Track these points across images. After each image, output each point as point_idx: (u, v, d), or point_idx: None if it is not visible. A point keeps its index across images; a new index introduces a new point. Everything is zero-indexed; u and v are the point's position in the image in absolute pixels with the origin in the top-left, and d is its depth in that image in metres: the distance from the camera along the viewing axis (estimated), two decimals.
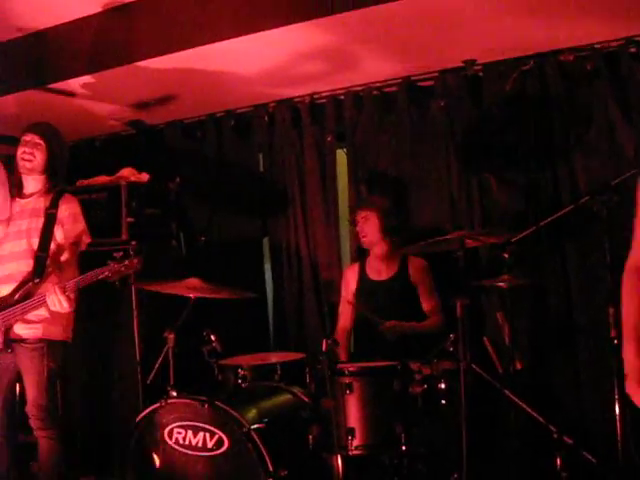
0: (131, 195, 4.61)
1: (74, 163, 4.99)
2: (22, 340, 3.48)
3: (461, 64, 4.24)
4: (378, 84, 4.60)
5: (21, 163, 3.61)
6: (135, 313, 4.45)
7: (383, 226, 4.15)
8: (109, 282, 3.35)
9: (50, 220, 3.53)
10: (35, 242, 3.51)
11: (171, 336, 3.59)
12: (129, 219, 4.54)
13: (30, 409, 3.52)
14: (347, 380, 3.27)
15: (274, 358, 4.06)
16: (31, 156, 3.58)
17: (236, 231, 5.11)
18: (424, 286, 4.13)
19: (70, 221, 3.62)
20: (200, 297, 3.66)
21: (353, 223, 4.31)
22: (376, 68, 4.36)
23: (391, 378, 3.28)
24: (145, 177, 4.83)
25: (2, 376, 3.60)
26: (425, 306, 4.11)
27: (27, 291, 3.43)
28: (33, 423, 3.54)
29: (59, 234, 3.56)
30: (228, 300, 3.85)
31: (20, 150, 3.62)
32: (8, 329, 3.43)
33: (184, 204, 5.12)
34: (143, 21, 3.98)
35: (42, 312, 3.46)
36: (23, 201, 3.64)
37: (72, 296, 3.35)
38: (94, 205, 4.58)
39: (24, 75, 4.39)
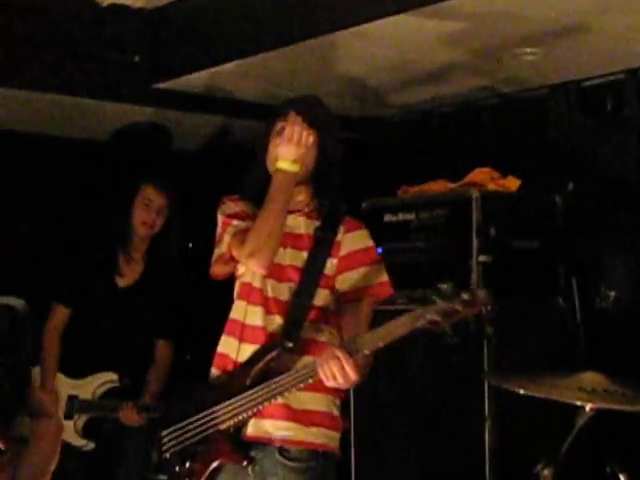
0: (488, 215, 3.30)
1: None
2: (277, 447, 2.42)
3: None
4: None
5: None
6: (487, 423, 3.16)
7: None
8: (440, 334, 2.29)
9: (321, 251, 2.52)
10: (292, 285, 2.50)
11: (546, 473, 2.51)
12: (483, 257, 3.27)
13: None
14: None
15: None
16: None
17: None
18: None
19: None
20: (601, 409, 2.53)
21: None
22: None
23: None
24: (514, 184, 3.48)
25: None
26: None
27: (271, 362, 2.43)
28: None
29: (331, 272, 2.51)
30: None
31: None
32: (240, 428, 2.35)
33: (576, 232, 3.57)
34: None
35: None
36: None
37: (363, 361, 2.32)
38: (423, 231, 3.44)
39: None
